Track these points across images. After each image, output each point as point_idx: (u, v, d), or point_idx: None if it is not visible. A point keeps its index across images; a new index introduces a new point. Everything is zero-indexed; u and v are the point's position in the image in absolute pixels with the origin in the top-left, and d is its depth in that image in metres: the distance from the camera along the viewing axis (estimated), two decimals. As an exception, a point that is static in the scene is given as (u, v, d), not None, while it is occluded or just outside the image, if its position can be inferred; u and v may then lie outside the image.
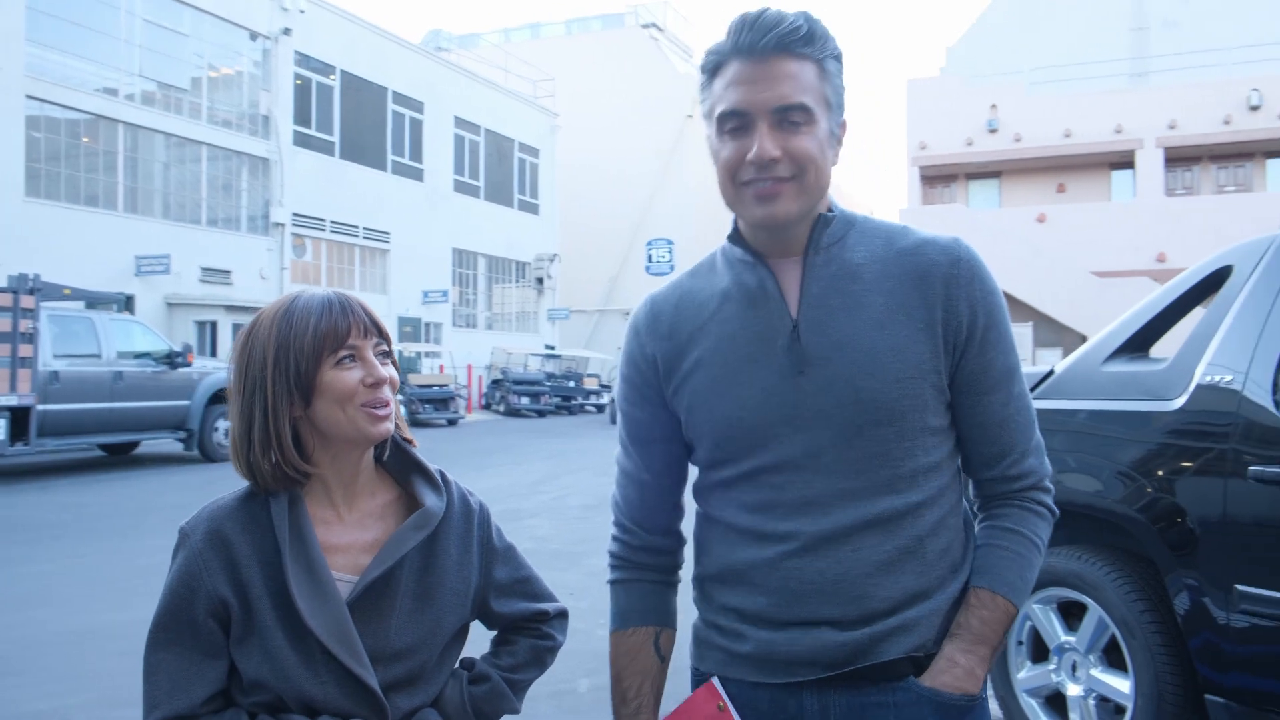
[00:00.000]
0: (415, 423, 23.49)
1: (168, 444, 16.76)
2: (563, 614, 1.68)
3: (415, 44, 31.57)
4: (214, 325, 20.77)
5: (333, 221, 26.08)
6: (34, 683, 4.95)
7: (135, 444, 16.28)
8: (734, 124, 1.36)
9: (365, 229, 27.19)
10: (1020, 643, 3.57)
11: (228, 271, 22.85)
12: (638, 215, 40.98)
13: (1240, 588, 2.75)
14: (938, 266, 1.39)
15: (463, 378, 27.98)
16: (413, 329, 28.81)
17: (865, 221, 1.45)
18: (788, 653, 1.37)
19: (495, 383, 29.46)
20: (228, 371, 1.50)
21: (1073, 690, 3.44)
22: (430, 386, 24.61)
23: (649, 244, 41.72)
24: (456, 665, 1.58)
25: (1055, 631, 3.45)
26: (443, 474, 1.59)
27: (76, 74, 20.38)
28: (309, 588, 1.39)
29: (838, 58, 1.38)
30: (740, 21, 1.35)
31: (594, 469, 14.95)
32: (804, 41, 1.33)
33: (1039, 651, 3.56)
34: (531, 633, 1.64)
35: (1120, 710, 3.30)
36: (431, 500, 1.52)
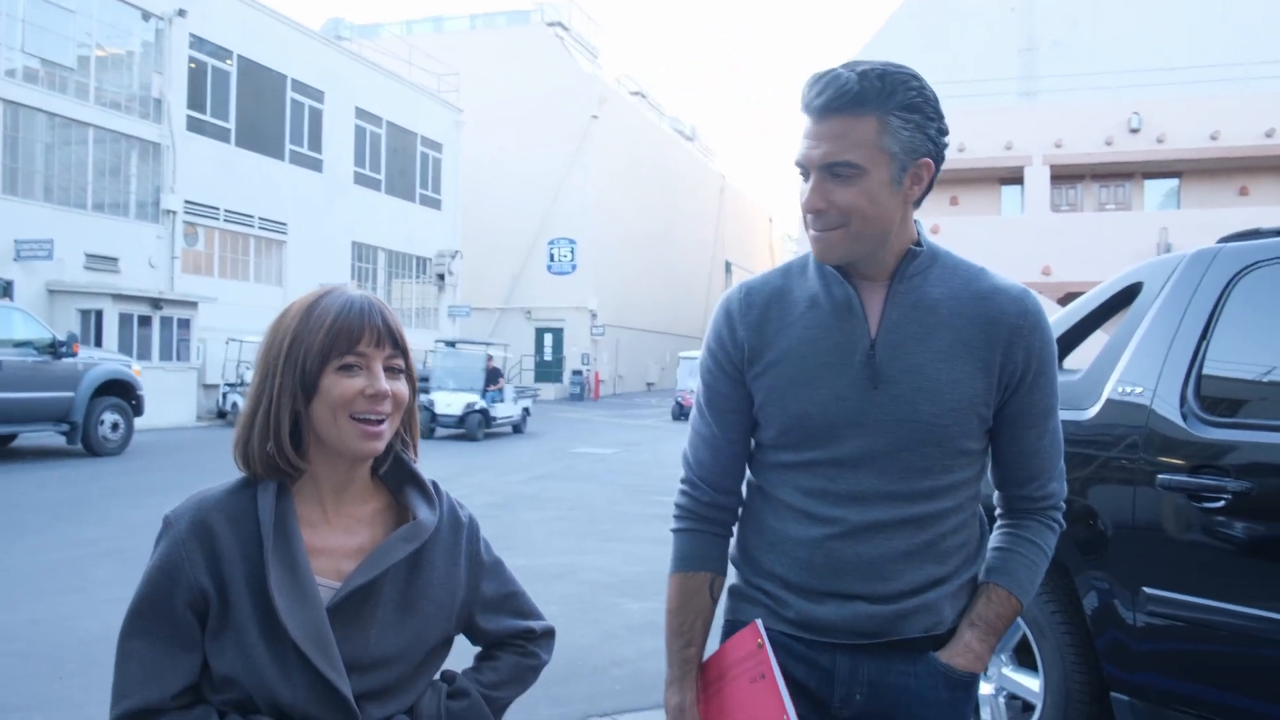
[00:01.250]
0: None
1: (49, 437, 16.04)
2: (550, 632, 1.68)
3: (316, 31, 30.79)
4: (99, 314, 19.91)
5: (227, 210, 25.27)
6: (-84, 689, 4.70)
7: (13, 436, 15.53)
8: (800, 173, 1.56)
9: (261, 219, 26.42)
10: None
11: (115, 259, 21.93)
12: (541, 214, 40.82)
13: (1147, 590, 2.90)
14: (1006, 316, 1.58)
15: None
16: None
17: (948, 258, 1.64)
18: (826, 621, 1.60)
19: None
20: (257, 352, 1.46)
21: (984, 689, 3.57)
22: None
23: (551, 243, 41.60)
24: (436, 677, 1.55)
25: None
26: (435, 485, 1.57)
27: (-47, 47, 19.31)
28: (289, 587, 1.36)
29: (908, 107, 1.49)
30: (807, 82, 1.52)
31: (498, 468, 14.84)
32: (855, 103, 1.47)
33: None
34: (516, 650, 1.63)
35: (1029, 708, 3.44)
36: (425, 513, 1.50)
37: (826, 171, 1.51)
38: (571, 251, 41.27)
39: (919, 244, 1.62)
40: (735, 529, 1.79)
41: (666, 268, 49.73)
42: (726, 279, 60.26)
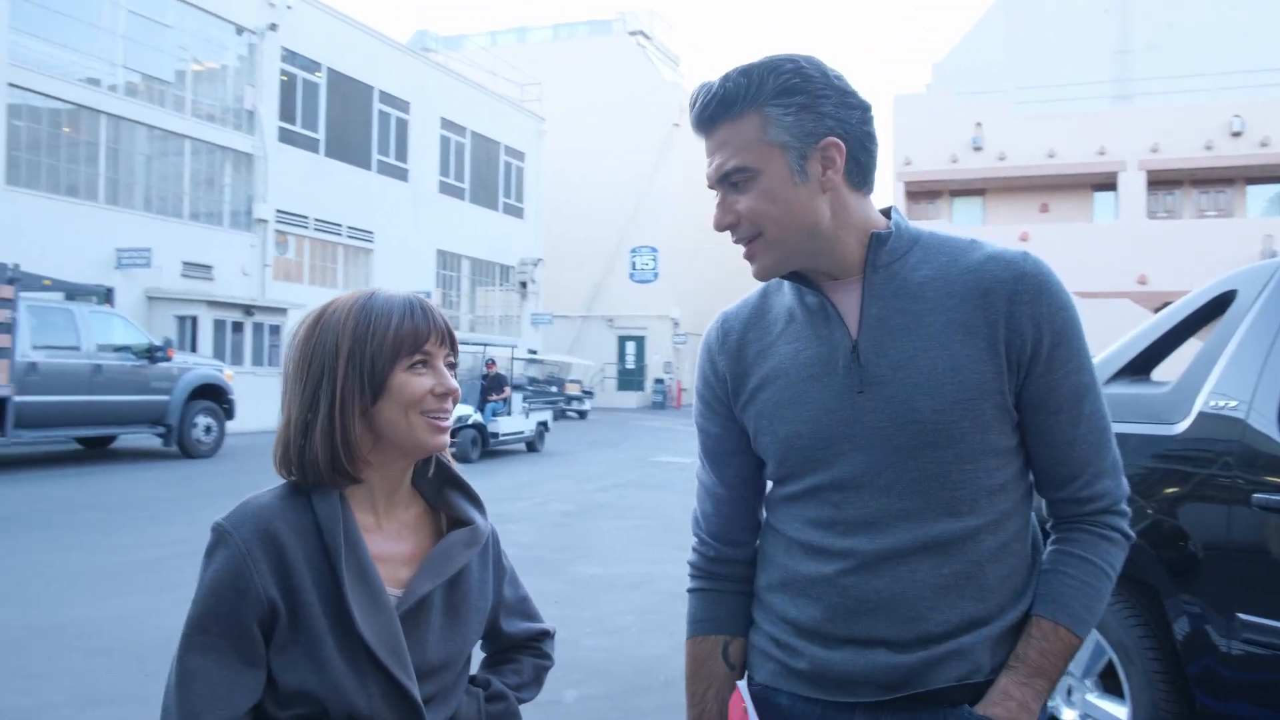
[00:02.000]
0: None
1: (145, 439, 16.59)
2: (552, 634, 1.71)
3: (402, 44, 31.42)
4: (194, 320, 20.56)
5: (316, 219, 25.89)
6: (3, 679, 4.86)
7: (112, 438, 16.11)
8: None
9: (349, 228, 27.01)
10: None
11: (209, 266, 22.62)
12: (623, 222, 40.97)
13: (1242, 616, 2.75)
14: (1001, 283, 1.38)
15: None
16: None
17: (931, 238, 1.46)
18: (842, 672, 1.40)
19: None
20: (285, 358, 1.44)
21: (1068, 716, 3.43)
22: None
23: (633, 251, 41.77)
24: (468, 682, 1.56)
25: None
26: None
27: (60, 63, 20.13)
28: (363, 596, 1.35)
29: (784, 92, 1.37)
30: (689, 104, 1.44)
31: (575, 476, 14.89)
32: (725, 106, 1.38)
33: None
34: (533, 652, 1.65)
35: (1115, 736, 3.29)
36: (480, 519, 1.51)
37: (725, 184, 1.41)
38: (653, 260, 41.34)
39: (888, 227, 1.45)
40: (748, 586, 1.62)
41: (749, 273, 49.46)
42: (809, 287, 59.75)
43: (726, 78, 1.38)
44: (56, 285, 14.82)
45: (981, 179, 31.45)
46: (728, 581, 1.61)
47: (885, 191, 31.00)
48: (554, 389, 31.28)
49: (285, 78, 25.09)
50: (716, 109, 1.38)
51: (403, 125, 29.29)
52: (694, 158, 43.62)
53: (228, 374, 16.64)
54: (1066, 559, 1.42)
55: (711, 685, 1.57)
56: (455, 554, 1.45)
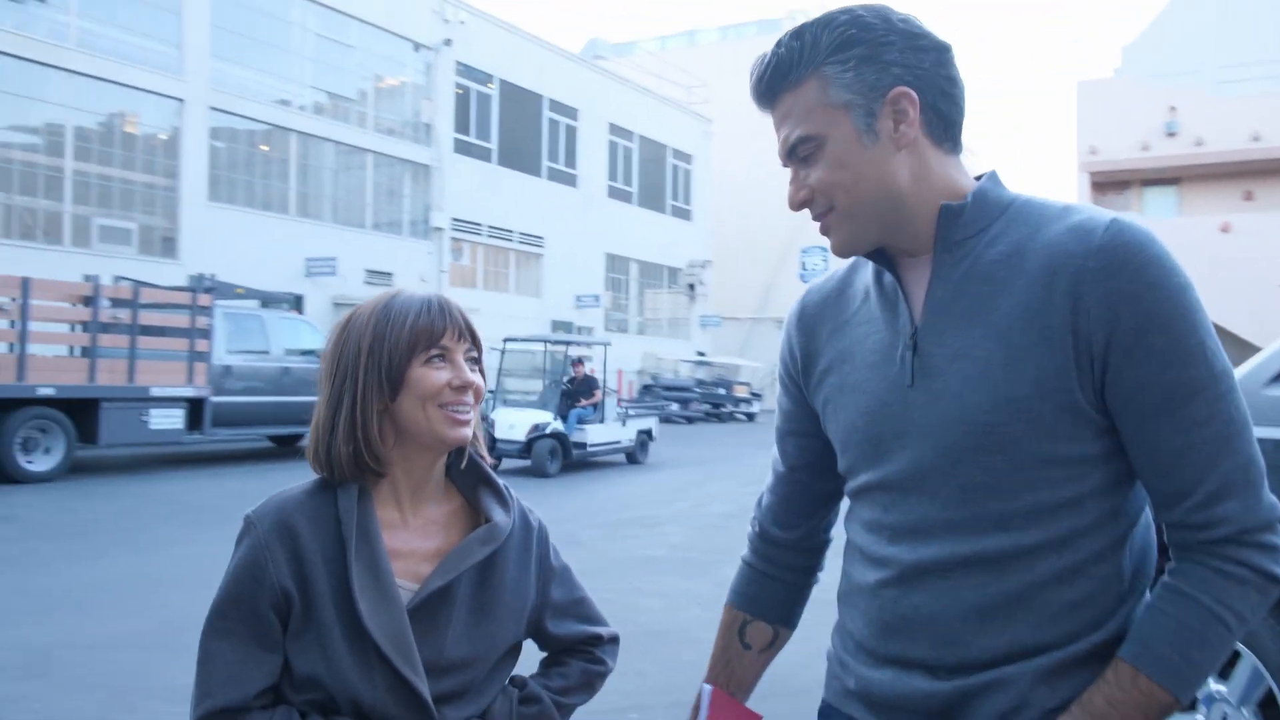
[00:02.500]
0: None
1: (328, 438, 17.51)
2: (615, 639, 1.67)
3: (572, 53, 32.14)
4: (375, 325, 21.62)
5: (489, 226, 26.80)
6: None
7: (300, 436, 17.09)
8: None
9: (520, 234, 27.82)
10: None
11: (389, 274, 23.75)
12: (793, 222, 40.48)
13: None
14: (1071, 258, 1.15)
15: (613, 382, 28.27)
16: (565, 333, 29.29)
17: (1023, 206, 1.25)
18: (882, 695, 1.28)
19: (645, 388, 29.75)
20: (321, 360, 1.49)
21: (1224, 738, 3.13)
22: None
23: (804, 251, 41.26)
24: (507, 682, 1.56)
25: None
26: (507, 489, 1.58)
27: (255, 86, 21.59)
28: (371, 589, 1.38)
29: (840, 47, 1.22)
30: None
31: (738, 478, 14.82)
32: (780, 75, 1.26)
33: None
34: (584, 656, 1.63)
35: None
36: (500, 515, 1.51)
37: (793, 158, 1.28)
38: (824, 260, 40.66)
39: (966, 198, 1.25)
40: (796, 576, 1.57)
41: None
42: (989, 285, 57.62)
43: (779, 44, 1.27)
44: (250, 293, 15.83)
45: (1176, 166, 29.55)
46: (767, 562, 1.56)
47: (1069, 183, 29.56)
48: (722, 391, 31.25)
49: (460, 91, 26.09)
50: (773, 79, 1.27)
51: (572, 132, 29.94)
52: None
53: (405, 376, 17.35)
54: (1168, 595, 1.15)
55: (726, 654, 1.55)
56: (471, 551, 1.45)
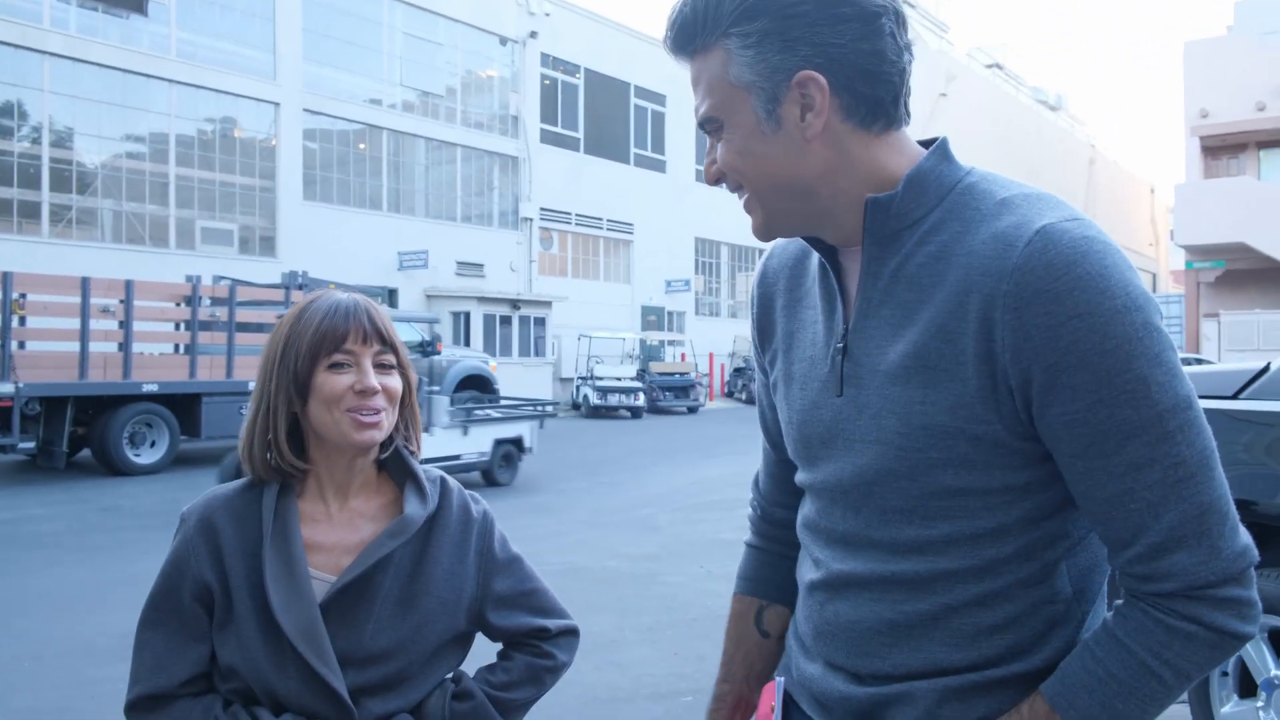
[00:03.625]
0: (656, 409, 23.98)
1: (421, 427, 17.97)
2: (568, 631, 1.63)
3: (658, 39, 32.07)
4: (467, 315, 22.05)
5: (578, 214, 27.03)
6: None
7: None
8: None
9: (609, 221, 27.99)
10: (1225, 674, 3.19)
11: (480, 265, 24.19)
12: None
13: None
14: (986, 277, 1.01)
15: (704, 366, 28.27)
16: (656, 318, 29.38)
17: (965, 192, 1.09)
18: (813, 691, 1.24)
19: (738, 370, 29.70)
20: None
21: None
22: (671, 375, 25.23)
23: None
24: (449, 677, 1.55)
25: (1265, 664, 3.05)
26: (443, 480, 1.59)
27: (346, 87, 22.20)
28: (284, 583, 1.41)
29: (745, 16, 1.06)
30: None
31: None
32: (688, 36, 1.11)
33: (1246, 685, 3.16)
34: (530, 650, 1.60)
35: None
36: (413, 508, 1.50)
37: (704, 130, 1.15)
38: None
39: (899, 185, 1.10)
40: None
41: (1027, 248, 46.66)
42: (1099, 257, 55.52)
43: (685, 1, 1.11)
44: (341, 288, 16.24)
45: (1295, 127, 28.01)
46: (773, 542, 1.44)
47: (1177, 149, 28.25)
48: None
49: (546, 82, 26.34)
50: (680, 38, 1.12)
51: (659, 118, 29.93)
52: (964, 126, 41.92)
53: (492, 365, 17.72)
54: (1104, 639, 1.04)
55: (740, 647, 1.44)
56: (380, 545, 1.46)
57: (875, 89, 1.07)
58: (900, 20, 1.07)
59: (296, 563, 1.43)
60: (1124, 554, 1.02)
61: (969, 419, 1.03)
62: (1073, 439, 1.00)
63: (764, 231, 1.17)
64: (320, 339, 1.44)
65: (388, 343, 1.49)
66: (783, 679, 1.31)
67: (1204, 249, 27.75)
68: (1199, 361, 19.00)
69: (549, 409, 13.83)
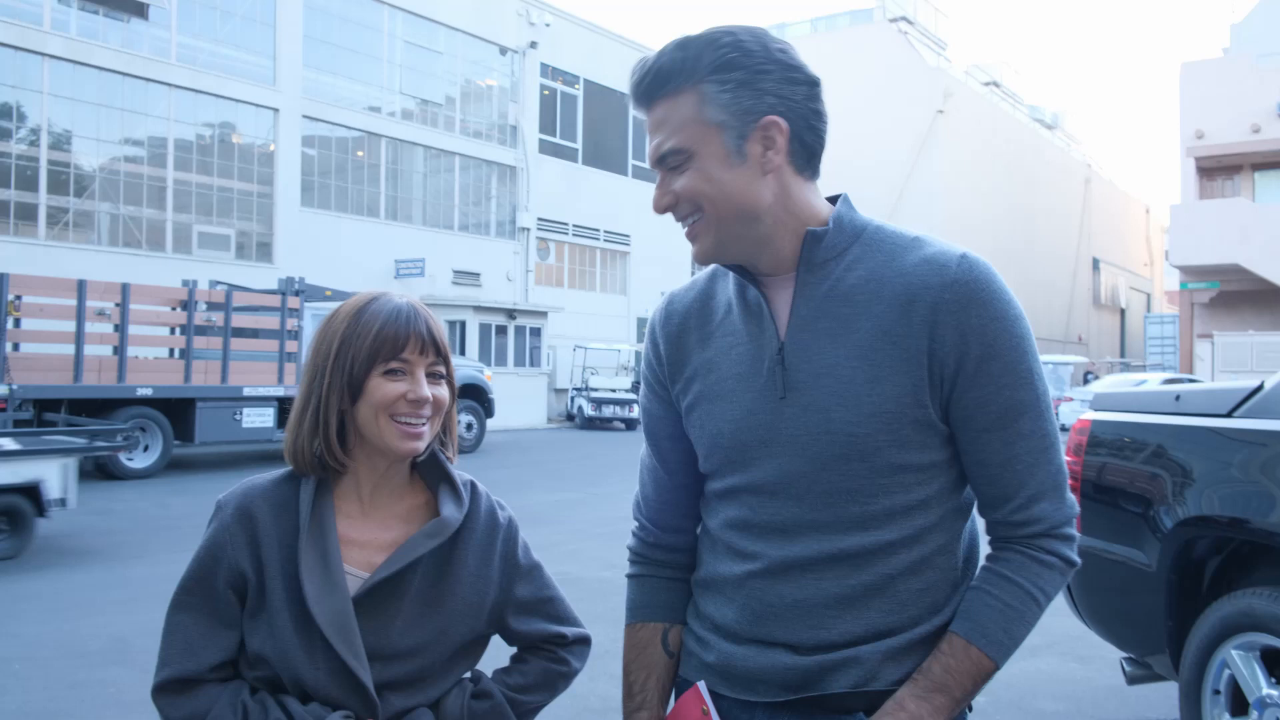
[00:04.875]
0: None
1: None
2: (583, 640, 1.66)
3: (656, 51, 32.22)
4: (463, 325, 22.04)
5: (575, 225, 27.08)
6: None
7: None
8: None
9: (606, 232, 28.04)
10: (1217, 692, 3.19)
11: (477, 274, 24.20)
12: (885, 213, 39.90)
13: None
14: (928, 290, 1.29)
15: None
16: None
17: (876, 233, 1.37)
18: (744, 668, 1.37)
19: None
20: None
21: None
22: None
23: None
24: (467, 676, 1.58)
25: (1257, 683, 3.06)
26: (473, 485, 1.61)
27: (346, 94, 22.24)
28: (319, 575, 1.43)
29: (721, 67, 1.28)
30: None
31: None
32: (659, 83, 1.31)
33: (1238, 704, 3.17)
34: (546, 655, 1.63)
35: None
36: (449, 510, 1.53)
37: (663, 165, 1.33)
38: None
39: (827, 222, 1.36)
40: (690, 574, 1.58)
41: (1024, 266, 46.86)
42: (1094, 277, 55.77)
43: (662, 52, 1.32)
44: (337, 295, 16.25)
45: (1289, 149, 28.16)
46: (667, 568, 1.56)
47: (1173, 169, 28.40)
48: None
49: (545, 92, 26.42)
50: (652, 84, 1.31)
51: (657, 130, 30.04)
52: (961, 143, 42.06)
53: (487, 374, 17.71)
54: (992, 579, 1.33)
55: (652, 674, 1.52)
56: (417, 544, 1.48)
57: (814, 142, 1.34)
58: None
59: (331, 556, 1.45)
60: (1006, 506, 1.33)
61: (911, 404, 1.28)
62: (984, 415, 1.30)
63: (712, 253, 1.36)
64: (379, 344, 1.45)
65: (441, 354, 1.52)
66: (702, 680, 1.43)
67: (1199, 270, 27.87)
68: (1191, 382, 19.05)
69: (118, 438, 9.38)
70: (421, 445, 1.49)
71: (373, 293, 1.53)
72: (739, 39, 1.29)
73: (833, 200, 1.40)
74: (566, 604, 1.67)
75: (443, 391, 1.51)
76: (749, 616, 1.37)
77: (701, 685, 1.42)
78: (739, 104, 1.28)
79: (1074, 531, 1.35)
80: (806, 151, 1.34)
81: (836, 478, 1.30)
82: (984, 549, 1.42)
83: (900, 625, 1.32)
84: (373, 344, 1.45)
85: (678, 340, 1.48)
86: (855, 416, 1.28)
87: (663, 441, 1.54)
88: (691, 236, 1.35)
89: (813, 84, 1.32)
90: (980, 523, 1.43)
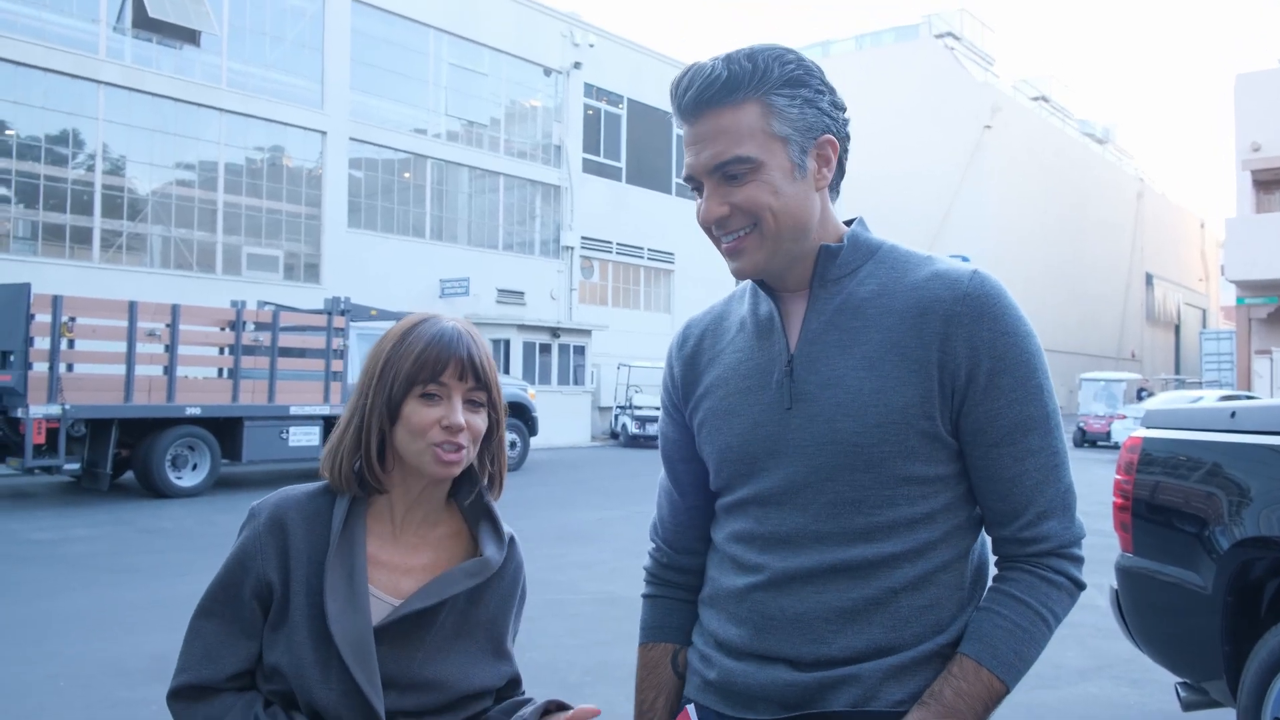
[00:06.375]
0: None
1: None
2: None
3: (701, 69, 32.33)
4: (507, 343, 22.15)
5: (619, 244, 27.14)
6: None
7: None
8: (693, 186, 1.37)
9: (650, 250, 28.07)
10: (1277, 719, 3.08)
11: (521, 293, 24.32)
12: (933, 231, 39.63)
13: None
14: (940, 303, 1.30)
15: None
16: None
17: (889, 252, 1.40)
18: (744, 685, 1.37)
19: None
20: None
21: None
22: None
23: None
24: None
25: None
26: (513, 537, 1.60)
27: (393, 116, 22.52)
28: (342, 594, 1.42)
29: (791, 82, 1.31)
30: (673, 86, 1.35)
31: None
32: (727, 90, 1.30)
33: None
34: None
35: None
36: (491, 552, 1.52)
37: (719, 174, 1.31)
38: (964, 268, 39.67)
39: (843, 239, 1.39)
40: None
41: (1074, 282, 46.23)
42: (1147, 293, 54.87)
43: (731, 59, 1.31)
44: (382, 315, 16.44)
45: (1349, 161, 27.50)
46: (680, 590, 1.58)
47: (1228, 183, 27.92)
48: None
49: (589, 112, 26.57)
50: (720, 92, 1.29)
51: (701, 148, 30.07)
52: (1010, 158, 41.63)
53: (530, 393, 17.74)
54: (1001, 599, 1.32)
55: (661, 694, 1.54)
56: (454, 580, 1.47)
57: (845, 163, 1.38)
58: None
59: (357, 576, 1.44)
60: (1014, 523, 1.32)
61: (918, 415, 1.28)
62: (994, 429, 1.30)
63: (761, 267, 1.36)
64: (419, 368, 1.45)
65: (482, 381, 1.49)
66: (692, 704, 1.45)
67: (1256, 285, 27.26)
68: (1248, 399, 18.61)
69: None
70: (455, 471, 1.48)
71: (425, 314, 1.53)
72: (801, 58, 1.33)
73: (848, 223, 1.44)
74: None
75: (480, 420, 1.48)
76: (750, 630, 1.36)
77: (691, 709, 1.45)
78: (805, 119, 1.31)
79: (1082, 553, 1.34)
80: (840, 172, 1.38)
81: (843, 488, 1.31)
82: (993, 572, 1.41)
83: (902, 643, 1.31)
84: (412, 366, 1.44)
85: (691, 362, 1.51)
86: (861, 426, 1.29)
87: (677, 464, 1.56)
88: (736, 250, 1.34)
89: (843, 109, 1.37)
90: (989, 545, 1.42)
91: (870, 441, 1.28)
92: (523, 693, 1.61)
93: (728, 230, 1.34)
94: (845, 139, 1.37)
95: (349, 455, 1.47)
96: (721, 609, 1.43)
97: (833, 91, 1.35)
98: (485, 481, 1.58)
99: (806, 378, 1.34)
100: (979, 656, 1.28)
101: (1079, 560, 1.33)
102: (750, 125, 1.29)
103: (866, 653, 1.30)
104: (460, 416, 1.44)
